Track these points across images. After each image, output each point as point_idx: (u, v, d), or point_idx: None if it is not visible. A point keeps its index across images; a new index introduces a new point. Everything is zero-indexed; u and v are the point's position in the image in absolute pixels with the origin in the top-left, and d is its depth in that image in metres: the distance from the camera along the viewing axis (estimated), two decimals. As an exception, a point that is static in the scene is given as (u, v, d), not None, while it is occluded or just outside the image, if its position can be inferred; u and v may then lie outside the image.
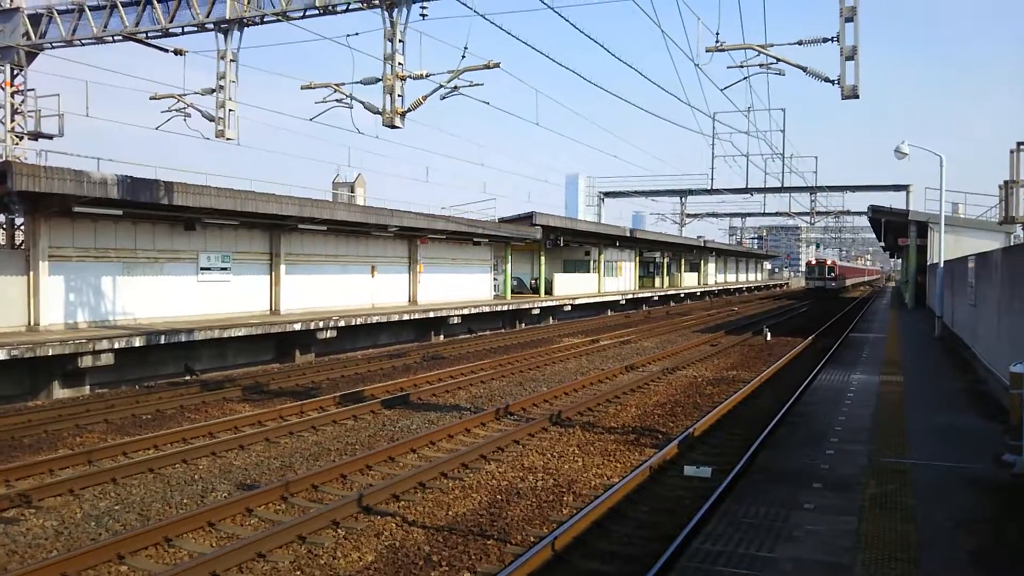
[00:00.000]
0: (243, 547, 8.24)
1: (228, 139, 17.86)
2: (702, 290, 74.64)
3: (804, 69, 15.46)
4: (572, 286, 49.48)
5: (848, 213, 66.83)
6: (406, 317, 30.47)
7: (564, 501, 10.39)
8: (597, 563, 8.25)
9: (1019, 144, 20.96)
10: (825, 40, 15.01)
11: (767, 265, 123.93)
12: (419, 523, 9.46)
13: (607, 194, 68.87)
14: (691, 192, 66.34)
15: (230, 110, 17.80)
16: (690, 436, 13.64)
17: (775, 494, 8.52)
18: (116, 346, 18.90)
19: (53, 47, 20.91)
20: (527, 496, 10.58)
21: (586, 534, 8.97)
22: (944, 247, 28.57)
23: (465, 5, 14.09)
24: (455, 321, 33.77)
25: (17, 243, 21.41)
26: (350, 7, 16.81)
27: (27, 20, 20.84)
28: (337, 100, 17.36)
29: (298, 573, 7.98)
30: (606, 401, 17.54)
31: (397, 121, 15.64)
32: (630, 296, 55.63)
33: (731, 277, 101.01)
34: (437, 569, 8.06)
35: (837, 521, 7.63)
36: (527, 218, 40.65)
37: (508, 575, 7.47)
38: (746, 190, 50.53)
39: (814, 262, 79.35)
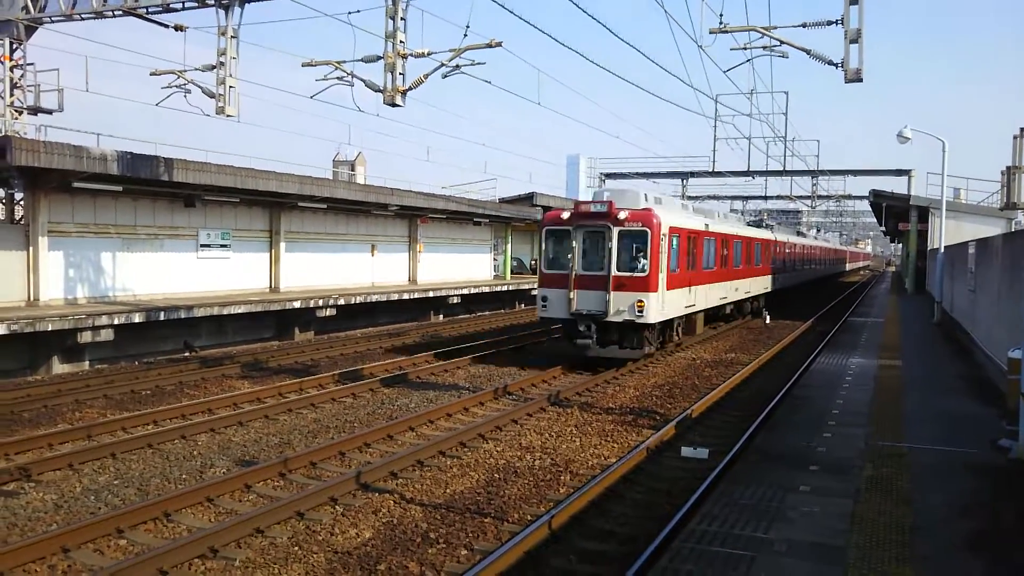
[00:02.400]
0: (241, 522, 8.29)
1: (228, 116, 17.77)
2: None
3: (808, 52, 15.36)
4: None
5: (849, 197, 66.46)
6: (406, 296, 30.46)
7: (561, 480, 10.44)
8: (594, 542, 8.30)
9: (1022, 130, 20.85)
10: (829, 23, 14.92)
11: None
12: (417, 500, 9.51)
13: (608, 175, 68.52)
14: (692, 174, 66.00)
15: (231, 87, 17.69)
16: (688, 417, 13.69)
17: (771, 476, 8.56)
18: (116, 322, 18.90)
19: (53, 21, 20.73)
20: (524, 475, 10.63)
21: (583, 513, 9.02)
22: (945, 232, 28.55)
23: (468, -17, 13.97)
24: (454, 301, 33.76)
25: (17, 218, 21.35)
26: (352, -17, 16.67)
27: (26, -7, 20.65)
28: (338, 78, 17.26)
29: (296, 549, 8.03)
30: (604, 382, 17.57)
31: (398, 99, 15.55)
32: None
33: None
34: (434, 546, 8.11)
35: (832, 504, 7.67)
36: (528, 199, 40.51)
37: (505, 553, 7.52)
38: (748, 173, 50.29)
39: (564, 216, 19.48)
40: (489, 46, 16.19)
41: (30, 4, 20.62)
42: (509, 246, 43.17)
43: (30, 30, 21.34)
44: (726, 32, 15.89)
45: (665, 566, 6.22)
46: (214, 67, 17.90)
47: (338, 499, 9.39)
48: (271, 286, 27.44)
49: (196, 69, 18.54)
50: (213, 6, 17.72)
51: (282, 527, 8.55)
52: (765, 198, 66.48)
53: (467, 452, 11.69)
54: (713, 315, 26.69)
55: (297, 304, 24.63)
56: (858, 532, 6.91)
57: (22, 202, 20.88)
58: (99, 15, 19.58)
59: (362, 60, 16.80)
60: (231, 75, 17.65)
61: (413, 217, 34.45)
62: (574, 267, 18.78)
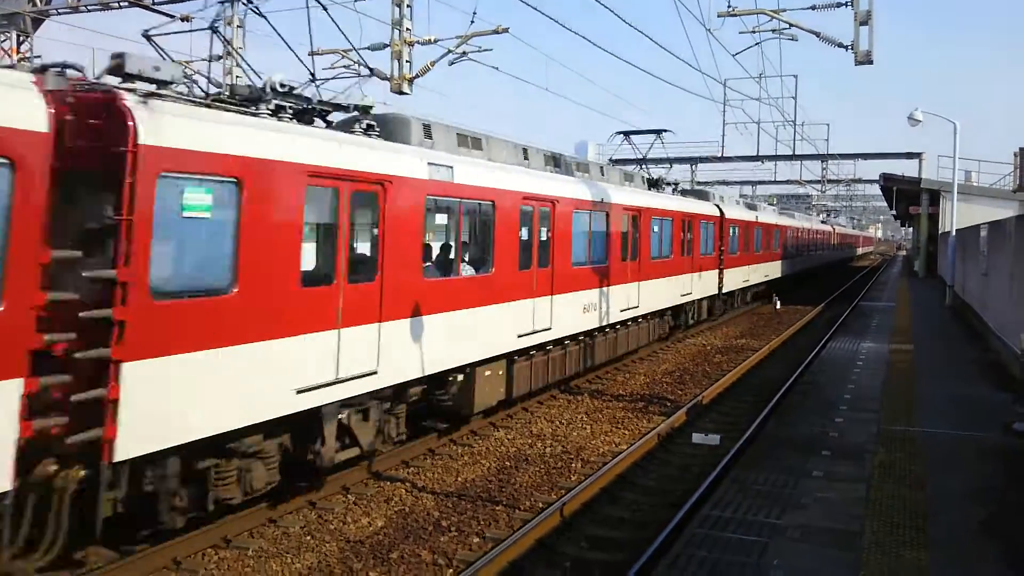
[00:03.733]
0: (254, 513, 8.30)
1: (235, 106, 17.76)
2: (711, 258, 73.75)
3: (817, 34, 15.23)
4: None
5: (860, 181, 65.90)
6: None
7: (572, 468, 10.43)
8: (606, 529, 8.30)
9: (1035, 111, 20.69)
10: (839, 5, 14.79)
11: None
12: (428, 489, 9.52)
13: (617, 161, 68.29)
14: (701, 159, 65.67)
15: (237, 77, 17.66)
16: (698, 404, 13.65)
17: (784, 462, 8.53)
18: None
19: (59, 13, 20.74)
20: (535, 463, 10.62)
21: (595, 500, 9.02)
22: (956, 215, 28.29)
23: (474, -31, 13.89)
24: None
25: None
26: (358, -29, 16.61)
27: (33, -15, 20.66)
28: (345, 66, 17.25)
29: (308, 538, 8.04)
30: (614, 369, 17.53)
31: (405, 87, 15.52)
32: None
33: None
34: (446, 534, 8.12)
35: (846, 489, 7.64)
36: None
37: (517, 540, 7.52)
38: (757, 158, 49.95)
39: None
40: (496, 32, 16.12)
41: (36, -4, 20.62)
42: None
43: (37, 22, 21.36)
44: (734, 15, 15.76)
45: (679, 552, 6.20)
46: (220, 57, 17.88)
47: (350, 488, 9.39)
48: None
49: (203, 60, 18.52)
50: (219, -4, 17.68)
51: (295, 516, 8.56)
52: (774, 183, 66.04)
53: (478, 440, 11.67)
54: None
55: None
56: (872, 517, 6.88)
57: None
58: (105, 6, 19.59)
59: (368, 48, 16.76)
60: (238, 65, 17.62)
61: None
62: None
